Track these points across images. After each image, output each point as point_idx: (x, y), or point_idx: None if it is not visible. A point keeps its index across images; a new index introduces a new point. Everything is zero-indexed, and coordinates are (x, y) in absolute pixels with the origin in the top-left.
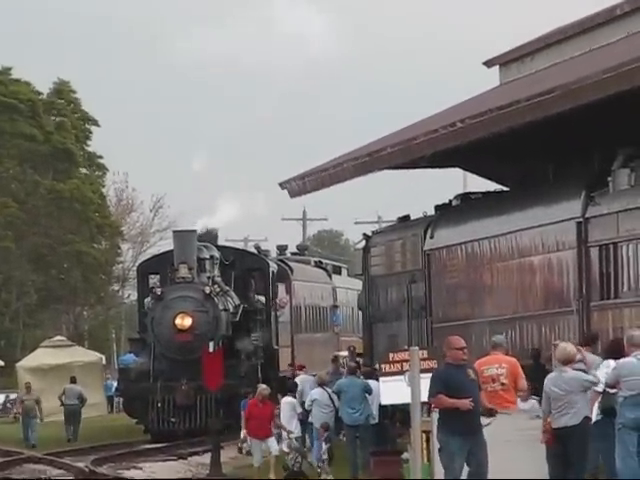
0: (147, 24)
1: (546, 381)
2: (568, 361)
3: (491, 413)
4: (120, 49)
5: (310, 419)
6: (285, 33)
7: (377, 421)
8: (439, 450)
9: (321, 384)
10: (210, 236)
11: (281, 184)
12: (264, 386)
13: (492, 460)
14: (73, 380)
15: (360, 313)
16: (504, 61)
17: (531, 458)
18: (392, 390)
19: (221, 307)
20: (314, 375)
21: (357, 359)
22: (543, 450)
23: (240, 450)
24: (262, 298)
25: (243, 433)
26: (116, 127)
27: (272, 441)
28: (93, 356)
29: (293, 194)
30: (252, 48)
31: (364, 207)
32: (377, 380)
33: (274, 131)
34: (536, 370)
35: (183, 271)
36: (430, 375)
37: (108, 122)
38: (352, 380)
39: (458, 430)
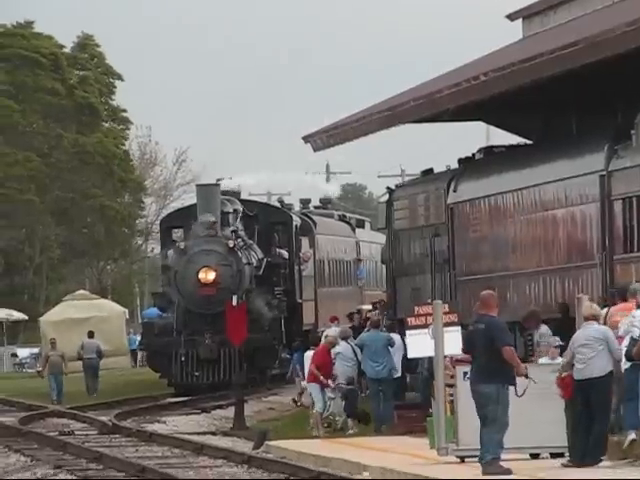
0: None
1: (574, 336)
2: (595, 317)
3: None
4: (144, 3)
5: (334, 371)
6: None
7: (400, 374)
8: (485, 400)
9: (345, 338)
10: (233, 190)
11: (304, 138)
12: (333, 332)
13: (516, 413)
14: (91, 335)
15: (383, 267)
16: (527, 14)
17: (550, 411)
18: (418, 343)
19: (244, 261)
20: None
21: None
22: (562, 403)
23: (296, 402)
24: (285, 251)
25: (303, 384)
26: (139, 80)
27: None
28: (116, 310)
29: (317, 148)
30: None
31: (387, 161)
32: (399, 334)
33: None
34: (565, 324)
35: (206, 225)
36: (453, 329)
37: (131, 75)
38: (375, 334)
39: (511, 382)
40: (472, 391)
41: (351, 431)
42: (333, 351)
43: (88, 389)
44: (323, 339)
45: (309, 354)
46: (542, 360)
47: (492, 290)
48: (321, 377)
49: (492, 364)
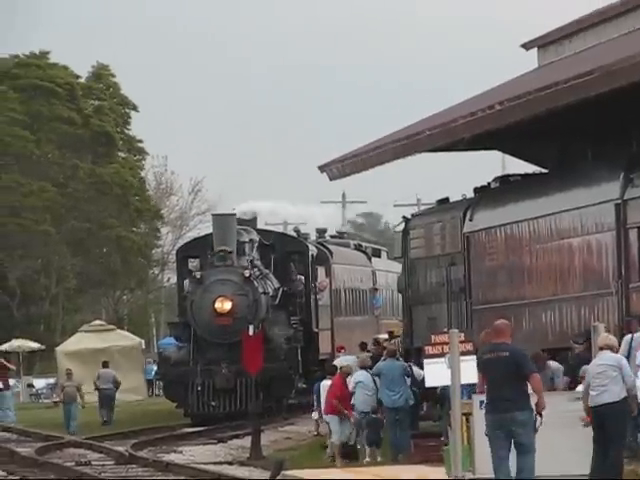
0: (185, 5)
1: (588, 367)
2: (609, 347)
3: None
4: (159, 33)
5: (353, 401)
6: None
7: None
8: (522, 428)
9: (363, 367)
10: (249, 220)
11: (320, 167)
12: (347, 362)
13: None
14: (106, 364)
15: (400, 296)
16: (542, 43)
17: (570, 439)
18: (435, 372)
19: (261, 290)
20: (356, 357)
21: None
22: (582, 431)
23: (317, 432)
24: (302, 280)
25: (314, 415)
26: (155, 111)
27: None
28: (133, 340)
29: (333, 177)
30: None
31: (403, 190)
32: (416, 362)
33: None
34: (586, 353)
35: (222, 255)
36: (469, 358)
37: (147, 106)
38: (392, 362)
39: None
40: (503, 419)
41: (371, 459)
42: (354, 380)
43: (104, 419)
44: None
45: (325, 384)
46: (579, 388)
47: (506, 319)
48: (344, 410)
49: (519, 391)
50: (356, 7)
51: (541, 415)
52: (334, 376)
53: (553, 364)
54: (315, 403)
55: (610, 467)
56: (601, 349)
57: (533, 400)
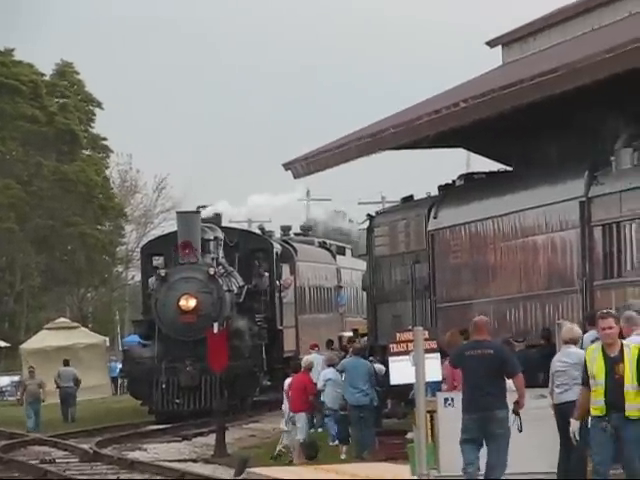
0: (150, 4)
1: (552, 361)
2: (573, 341)
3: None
4: (123, 30)
5: (322, 398)
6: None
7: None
8: (501, 425)
9: (331, 364)
10: (214, 217)
11: (285, 165)
12: (308, 357)
13: None
14: (66, 363)
15: (364, 293)
16: (507, 41)
17: (535, 437)
18: (400, 370)
19: (225, 288)
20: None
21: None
22: (547, 428)
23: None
24: (266, 278)
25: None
26: (119, 109)
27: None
28: (97, 338)
29: (297, 175)
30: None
31: (368, 187)
32: (380, 360)
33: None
34: (548, 351)
35: (187, 253)
36: (433, 355)
37: (111, 104)
38: (356, 360)
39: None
40: (483, 417)
41: (343, 456)
42: (323, 378)
43: (65, 417)
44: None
45: (289, 381)
46: None
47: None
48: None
49: (499, 389)
50: (321, 7)
51: (518, 414)
52: (297, 373)
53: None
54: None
55: (574, 468)
56: (566, 343)
57: (512, 399)
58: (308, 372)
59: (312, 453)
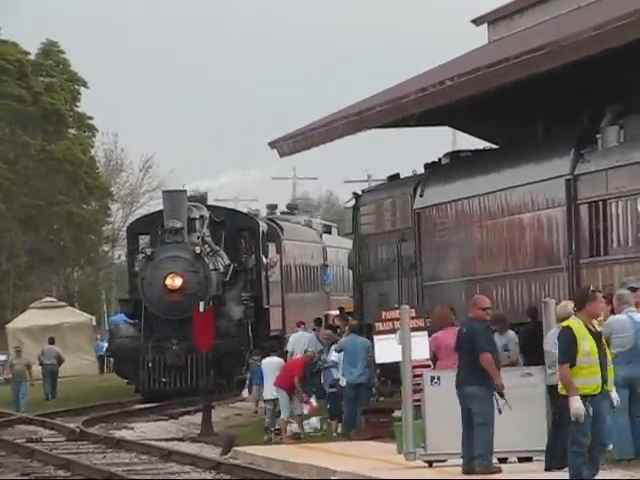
0: None
1: (545, 340)
2: (567, 319)
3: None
4: (110, 9)
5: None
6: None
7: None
8: (470, 401)
9: (332, 342)
10: (200, 196)
11: (271, 144)
12: (303, 339)
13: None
14: (51, 341)
15: (350, 272)
16: (493, 19)
17: (522, 415)
18: (386, 348)
19: (211, 267)
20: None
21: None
22: (535, 407)
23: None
24: (253, 256)
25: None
26: (105, 88)
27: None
28: (83, 317)
29: (283, 154)
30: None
31: (354, 166)
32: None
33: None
34: (533, 328)
35: (173, 231)
36: (420, 334)
37: (97, 83)
38: (354, 338)
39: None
40: (459, 393)
41: (335, 434)
42: (330, 358)
43: (46, 394)
44: (289, 347)
45: (270, 361)
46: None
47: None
48: (303, 394)
49: (475, 367)
50: None
51: (502, 395)
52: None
53: (510, 332)
54: (249, 381)
55: (562, 450)
56: (561, 321)
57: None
58: (308, 360)
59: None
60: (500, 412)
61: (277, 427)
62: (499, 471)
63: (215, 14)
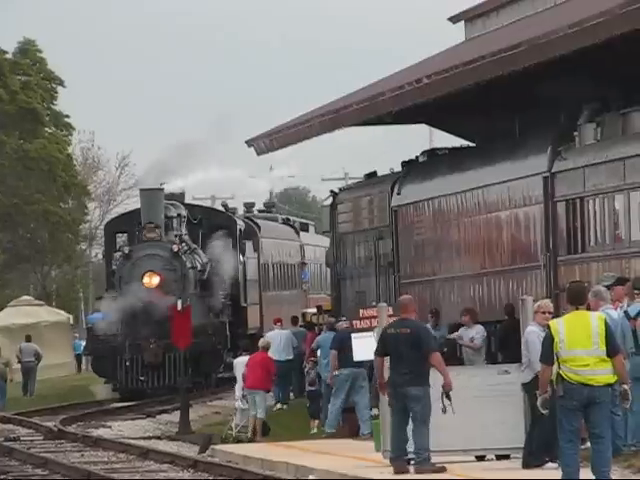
0: None
1: (527, 332)
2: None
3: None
4: (87, 7)
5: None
6: None
7: None
8: (415, 403)
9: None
10: (177, 194)
11: (248, 142)
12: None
13: (463, 415)
14: (28, 339)
15: (328, 270)
16: (469, 16)
17: (499, 412)
18: (363, 346)
19: (189, 265)
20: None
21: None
22: (512, 405)
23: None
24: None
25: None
26: (81, 86)
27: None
28: (61, 315)
29: (260, 151)
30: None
31: (331, 164)
32: None
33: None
34: (511, 326)
35: (150, 230)
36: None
37: (74, 81)
38: (330, 335)
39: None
40: (397, 393)
41: (314, 431)
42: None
43: (25, 391)
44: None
45: (241, 360)
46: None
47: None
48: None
49: (420, 368)
50: None
51: (449, 397)
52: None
53: (477, 326)
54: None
55: (538, 447)
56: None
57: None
58: (266, 351)
59: (266, 430)
60: (444, 412)
61: (244, 425)
62: (443, 470)
63: (195, 9)
